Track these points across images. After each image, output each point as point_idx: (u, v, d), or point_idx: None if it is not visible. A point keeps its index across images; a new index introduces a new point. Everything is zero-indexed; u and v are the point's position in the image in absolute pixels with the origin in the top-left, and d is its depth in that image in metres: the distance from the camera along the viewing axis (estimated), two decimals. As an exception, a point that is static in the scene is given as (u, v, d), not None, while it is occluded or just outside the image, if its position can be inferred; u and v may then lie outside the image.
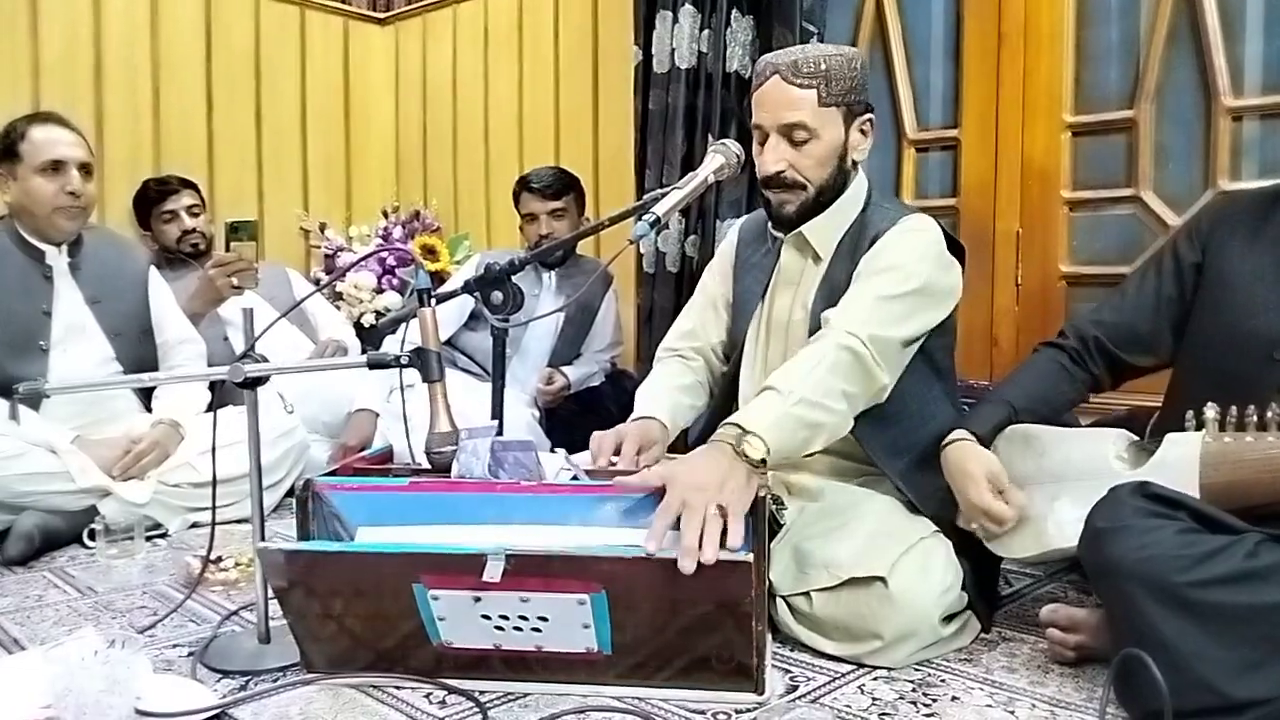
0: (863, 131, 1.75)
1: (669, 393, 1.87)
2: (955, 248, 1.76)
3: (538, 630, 1.35)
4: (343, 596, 1.38)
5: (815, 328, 1.70)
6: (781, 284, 1.83)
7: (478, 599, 1.33)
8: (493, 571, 1.27)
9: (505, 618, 1.35)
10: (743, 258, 1.93)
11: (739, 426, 1.44)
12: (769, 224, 1.86)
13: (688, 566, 1.25)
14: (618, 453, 1.66)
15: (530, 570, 1.29)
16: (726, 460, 1.40)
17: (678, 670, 1.37)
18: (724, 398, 1.90)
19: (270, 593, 1.56)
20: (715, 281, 1.98)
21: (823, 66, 1.68)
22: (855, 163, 1.77)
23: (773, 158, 1.71)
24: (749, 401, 1.57)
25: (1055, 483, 1.58)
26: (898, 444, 1.71)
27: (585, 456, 1.70)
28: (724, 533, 1.29)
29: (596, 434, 1.69)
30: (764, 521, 1.38)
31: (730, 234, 2.02)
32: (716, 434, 1.47)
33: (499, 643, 1.38)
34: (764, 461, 1.42)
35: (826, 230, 1.77)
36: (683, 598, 1.30)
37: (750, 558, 1.29)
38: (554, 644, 1.37)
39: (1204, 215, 1.68)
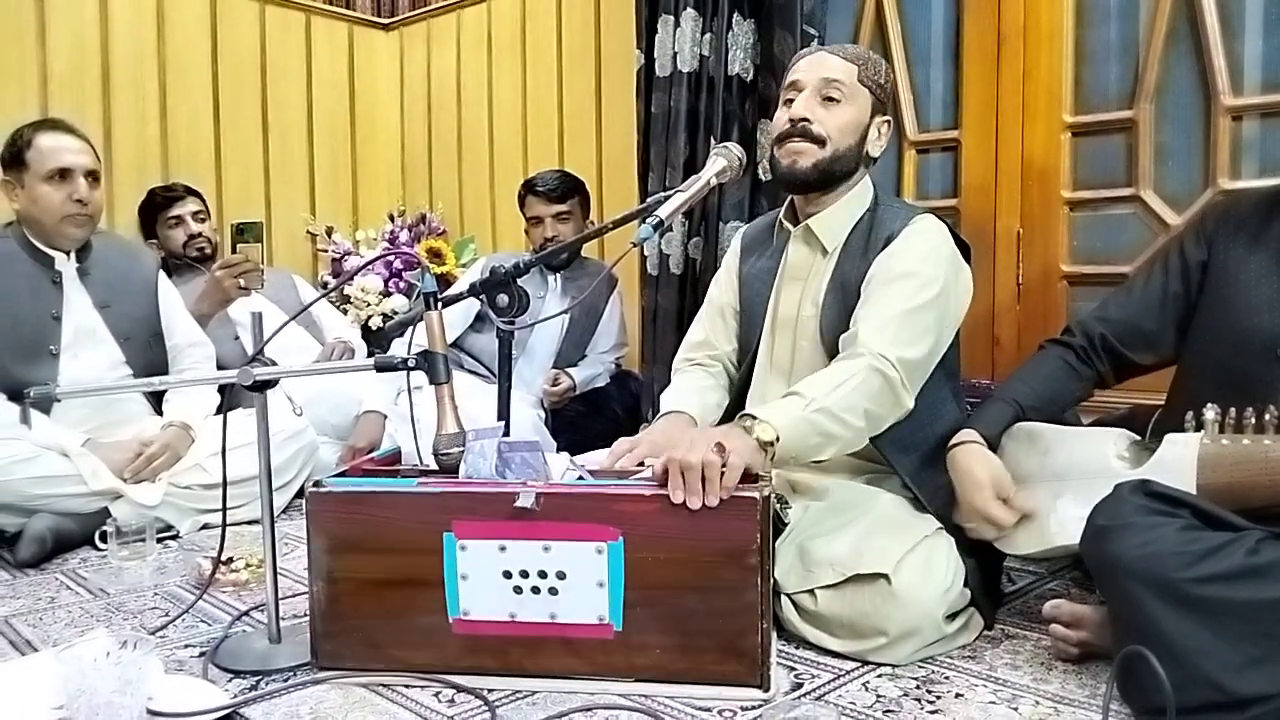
0: (880, 131, 1.81)
1: (695, 393, 1.90)
2: (961, 247, 1.77)
3: (555, 592, 1.40)
4: (374, 553, 1.44)
5: (825, 326, 1.73)
6: (788, 280, 1.85)
7: (503, 548, 1.40)
8: (526, 499, 1.37)
9: (525, 575, 1.40)
10: (747, 264, 1.95)
11: (752, 416, 1.48)
12: (774, 228, 1.88)
13: (693, 503, 1.34)
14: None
15: (555, 511, 1.39)
16: (734, 430, 1.45)
17: (684, 666, 1.39)
18: (737, 403, 1.91)
19: (281, 592, 1.58)
20: (721, 290, 2.00)
21: (863, 54, 1.80)
22: (870, 158, 1.81)
23: (803, 106, 1.76)
24: (759, 401, 1.59)
25: (1058, 481, 1.59)
26: (905, 441, 1.72)
27: (591, 457, 1.72)
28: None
29: (621, 440, 1.71)
30: (768, 518, 1.39)
31: (734, 242, 2.03)
32: (732, 422, 1.51)
33: (515, 611, 1.42)
34: (771, 445, 1.45)
35: (833, 223, 1.79)
36: (692, 540, 1.36)
37: (757, 494, 1.35)
38: (568, 611, 1.40)
39: (1209, 213, 1.68)
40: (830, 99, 1.75)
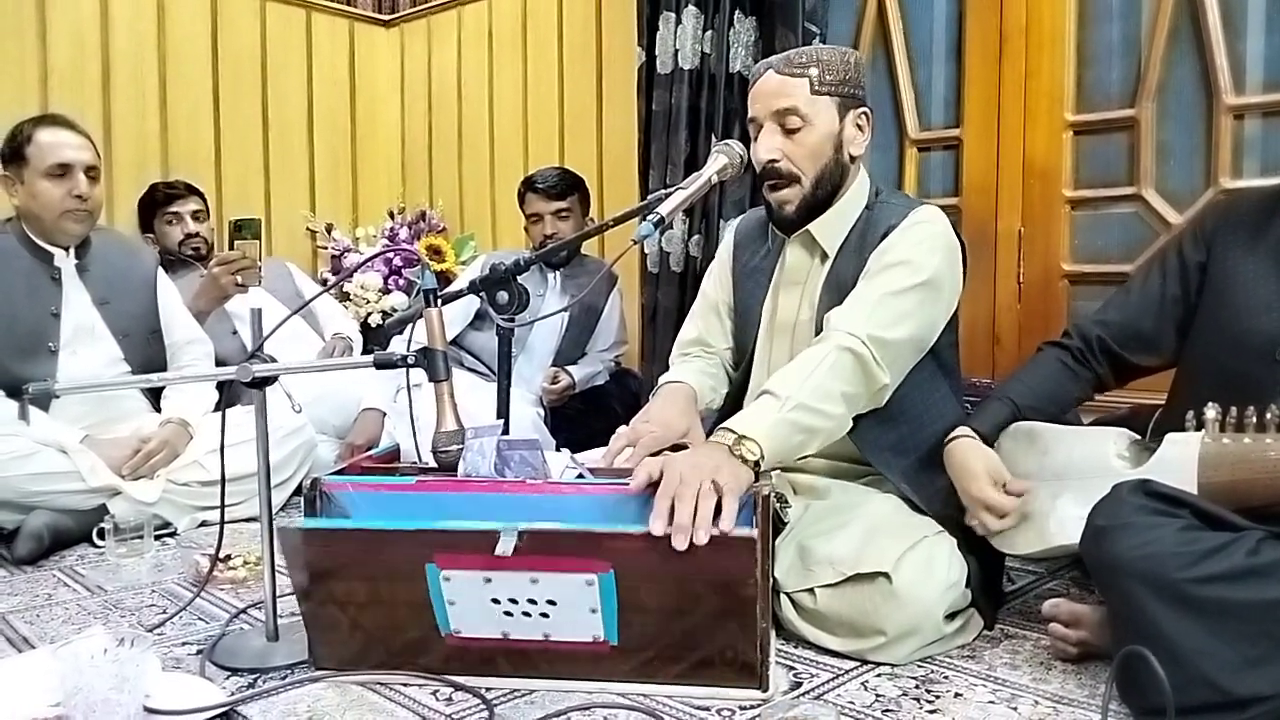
0: (859, 126, 1.76)
1: (693, 372, 1.89)
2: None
3: (546, 616, 1.37)
4: (357, 580, 1.40)
5: (820, 328, 1.71)
6: (786, 284, 1.83)
7: (488, 580, 1.35)
8: (505, 546, 1.31)
9: (514, 601, 1.37)
10: (741, 261, 1.93)
11: (733, 431, 1.46)
12: (770, 225, 1.87)
13: (680, 543, 1.28)
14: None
15: (541, 547, 1.32)
16: (722, 454, 1.42)
17: (682, 667, 1.39)
18: (733, 404, 1.90)
19: (279, 590, 1.57)
20: (715, 287, 1.98)
21: (814, 57, 1.72)
22: (854, 158, 1.77)
23: (765, 146, 1.72)
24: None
25: (1057, 480, 1.59)
26: (904, 443, 1.71)
27: (590, 455, 1.71)
28: (720, 514, 1.31)
29: (618, 432, 1.69)
30: (768, 517, 1.38)
31: (726, 236, 2.01)
32: (713, 437, 1.49)
33: (507, 631, 1.40)
34: (758, 463, 1.43)
35: (833, 227, 1.77)
36: (686, 576, 1.32)
37: (752, 533, 1.31)
38: (561, 632, 1.38)
39: (1208, 214, 1.67)
40: (790, 129, 1.71)
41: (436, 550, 1.35)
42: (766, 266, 1.87)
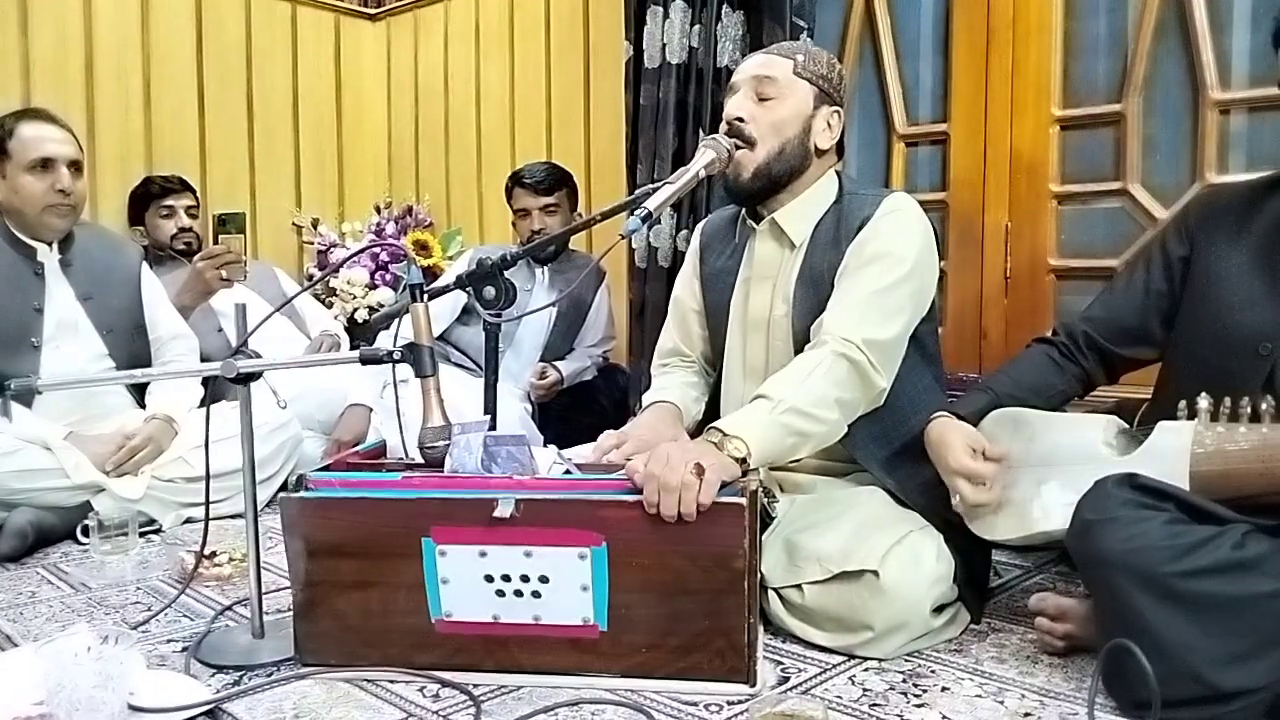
0: (829, 124, 1.77)
1: (677, 386, 1.90)
2: None
3: (538, 595, 1.38)
4: (353, 559, 1.42)
5: (797, 323, 1.71)
6: (756, 279, 1.82)
7: (483, 554, 1.37)
8: (504, 509, 1.34)
9: (507, 579, 1.38)
10: (708, 264, 1.93)
11: (721, 430, 1.47)
12: (737, 222, 1.87)
13: (669, 518, 1.32)
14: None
15: (536, 517, 1.35)
16: (708, 447, 1.43)
17: (670, 660, 1.39)
18: (711, 404, 1.90)
19: (264, 587, 1.56)
20: (685, 291, 1.98)
21: (803, 48, 1.79)
22: (820, 151, 1.77)
23: (735, 105, 1.75)
24: (733, 407, 1.57)
25: (1043, 466, 1.58)
26: (888, 434, 1.71)
27: (578, 450, 1.71)
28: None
29: (606, 433, 1.70)
30: (755, 512, 1.38)
31: (693, 239, 2.01)
32: (701, 436, 1.50)
33: (498, 614, 1.40)
34: (745, 460, 1.44)
35: (800, 217, 1.77)
36: (677, 549, 1.34)
37: (740, 500, 1.33)
38: (552, 613, 1.39)
39: (1192, 209, 1.68)
40: (764, 97, 1.74)
41: (434, 521, 1.37)
42: (732, 265, 1.87)
